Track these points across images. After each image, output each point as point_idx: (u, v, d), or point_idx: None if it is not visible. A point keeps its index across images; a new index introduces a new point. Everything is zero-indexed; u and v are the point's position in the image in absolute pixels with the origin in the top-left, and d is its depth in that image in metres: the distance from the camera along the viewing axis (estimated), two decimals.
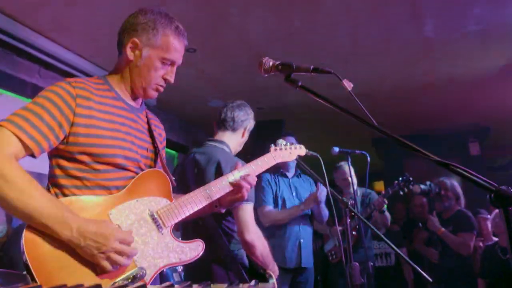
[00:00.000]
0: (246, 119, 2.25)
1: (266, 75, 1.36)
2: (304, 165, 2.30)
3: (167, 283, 1.04)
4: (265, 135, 3.31)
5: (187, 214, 1.37)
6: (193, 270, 2.04)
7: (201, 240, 1.35)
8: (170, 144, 5.56)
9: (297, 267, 3.22)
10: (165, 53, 1.39)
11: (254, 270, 1.96)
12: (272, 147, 1.78)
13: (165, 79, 1.43)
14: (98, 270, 1.14)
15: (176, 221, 1.34)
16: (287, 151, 1.81)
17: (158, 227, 1.30)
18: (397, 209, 5.61)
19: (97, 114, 1.30)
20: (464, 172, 1.03)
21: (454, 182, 3.88)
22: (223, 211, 1.60)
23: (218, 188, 1.47)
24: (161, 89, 1.45)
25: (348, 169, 3.33)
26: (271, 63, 1.34)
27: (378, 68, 4.21)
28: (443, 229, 3.66)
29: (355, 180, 3.69)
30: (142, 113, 1.49)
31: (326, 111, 6.40)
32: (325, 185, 2.16)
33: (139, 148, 1.40)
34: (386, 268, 4.24)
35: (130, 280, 1.17)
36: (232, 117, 2.20)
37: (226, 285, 1.04)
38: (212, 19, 3.17)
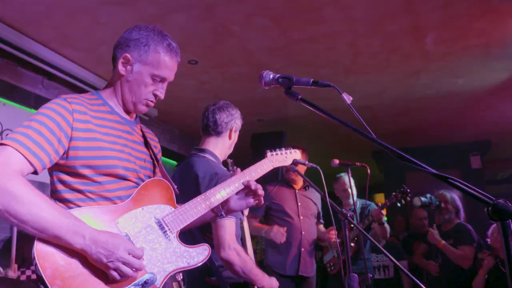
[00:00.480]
0: (231, 120, 2.13)
1: (267, 88, 1.38)
2: (305, 177, 2.31)
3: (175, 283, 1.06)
4: (266, 147, 3.33)
5: (192, 219, 1.41)
6: (191, 280, 2.04)
7: (207, 244, 1.38)
8: (171, 155, 5.58)
9: (296, 276, 3.25)
10: (155, 70, 1.41)
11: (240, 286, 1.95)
12: (268, 152, 1.79)
13: (155, 95, 1.44)
14: (110, 278, 1.18)
15: (182, 226, 1.38)
16: (283, 155, 1.83)
17: (165, 233, 1.33)
18: (396, 222, 5.60)
19: (94, 128, 1.33)
20: (462, 186, 1.04)
21: (454, 195, 3.87)
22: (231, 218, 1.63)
23: (216, 200, 1.50)
24: (151, 104, 1.47)
25: (348, 180, 3.34)
26: (271, 76, 1.36)
27: (378, 80, 4.24)
28: (443, 241, 3.65)
29: (354, 192, 3.69)
30: (136, 126, 1.52)
31: (326, 123, 6.46)
32: (325, 196, 2.16)
33: (137, 159, 1.42)
34: (384, 280, 4.21)
35: (141, 286, 1.21)
36: (214, 121, 2.09)
37: None
38: (213, 31, 3.21)
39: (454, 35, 3.38)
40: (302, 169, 3.33)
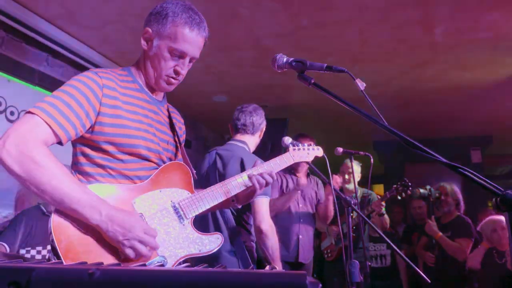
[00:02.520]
0: (262, 122, 2.46)
1: (279, 71, 1.38)
2: (310, 164, 2.33)
3: (185, 264, 1.07)
4: (268, 133, 3.34)
5: (208, 207, 1.41)
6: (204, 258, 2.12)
7: (220, 233, 1.40)
8: None
9: (294, 262, 3.30)
10: (173, 43, 1.35)
11: (261, 263, 2.03)
12: (291, 146, 1.82)
13: (176, 71, 1.39)
14: (121, 257, 1.18)
15: (197, 213, 1.37)
16: (305, 151, 1.84)
17: (180, 218, 1.33)
18: (394, 213, 5.64)
19: (122, 105, 1.31)
20: (471, 175, 1.05)
21: (455, 188, 3.90)
22: (240, 206, 1.64)
23: (236, 183, 1.50)
24: (174, 81, 1.41)
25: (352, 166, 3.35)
26: (284, 59, 1.35)
27: (384, 70, 4.22)
28: (440, 233, 3.69)
29: (357, 179, 3.72)
30: (163, 106, 1.50)
31: (329, 112, 6.45)
32: (330, 184, 2.18)
33: (161, 140, 1.41)
34: (381, 269, 4.27)
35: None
36: (252, 123, 2.41)
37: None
38: (221, 13, 3.17)
39: (463, 28, 3.35)
40: None
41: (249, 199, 1.61)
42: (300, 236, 3.34)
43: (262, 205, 2.07)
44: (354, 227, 3.47)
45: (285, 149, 3.24)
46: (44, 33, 3.25)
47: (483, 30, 3.38)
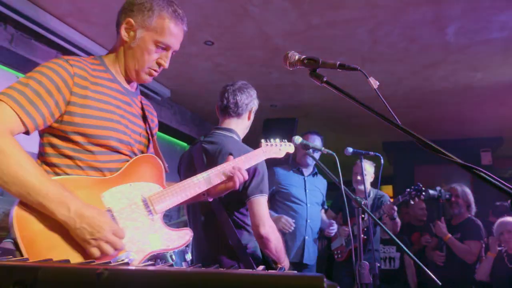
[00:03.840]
0: (250, 101, 2.11)
1: (291, 68, 1.35)
2: (320, 163, 2.30)
3: (169, 263, 1.04)
4: (277, 133, 3.32)
5: (179, 202, 1.38)
6: (202, 261, 2.05)
7: (190, 229, 1.37)
8: (181, 136, 5.58)
9: (299, 263, 3.25)
10: (159, 36, 1.35)
11: (267, 264, 1.95)
12: (263, 142, 1.78)
13: (159, 64, 1.39)
14: (87, 255, 1.14)
15: (167, 208, 1.35)
16: (277, 147, 1.83)
17: (149, 213, 1.30)
18: (403, 214, 5.58)
19: (93, 95, 1.28)
20: (486, 177, 1.02)
21: (466, 189, 3.84)
22: (211, 199, 1.61)
23: (207, 178, 1.48)
24: (155, 73, 1.41)
25: (365, 168, 3.33)
26: (297, 57, 1.33)
27: (395, 70, 4.17)
28: (449, 235, 3.64)
29: (369, 179, 3.68)
30: (136, 97, 1.47)
31: (339, 112, 6.41)
32: (339, 183, 2.15)
33: (133, 132, 1.39)
34: (390, 271, 4.22)
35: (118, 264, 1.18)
36: (235, 102, 2.06)
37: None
38: (232, 11, 3.16)
39: (476, 27, 3.30)
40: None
41: (222, 194, 1.58)
42: (306, 237, 3.30)
43: (258, 205, 1.85)
44: (365, 229, 3.44)
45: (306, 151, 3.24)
46: (54, 30, 3.26)
47: (496, 31, 3.32)
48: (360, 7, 3.04)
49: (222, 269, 0.57)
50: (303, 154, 3.40)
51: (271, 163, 2.41)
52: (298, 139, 2.64)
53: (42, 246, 1.08)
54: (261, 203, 1.86)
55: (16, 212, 1.09)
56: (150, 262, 1.22)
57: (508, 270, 3.40)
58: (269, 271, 0.59)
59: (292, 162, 3.56)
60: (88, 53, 3.66)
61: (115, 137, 1.30)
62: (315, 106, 5.31)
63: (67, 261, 0.80)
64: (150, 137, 1.48)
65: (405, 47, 3.66)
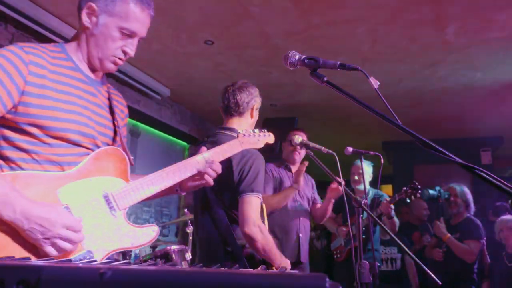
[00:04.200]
0: (251, 99, 2.12)
1: (292, 68, 1.36)
2: (319, 161, 2.30)
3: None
4: (277, 132, 3.29)
5: (144, 197, 1.30)
6: (204, 260, 2.05)
7: (156, 225, 1.31)
8: (181, 136, 5.58)
9: (296, 262, 3.23)
10: (124, 22, 1.26)
11: (257, 265, 1.94)
12: (240, 132, 1.70)
13: (124, 52, 1.30)
14: (41, 253, 1.07)
15: (131, 204, 1.27)
16: (255, 137, 1.72)
17: (111, 209, 1.22)
18: (402, 214, 5.58)
19: (51, 84, 1.19)
20: (487, 177, 1.03)
21: (465, 189, 3.84)
22: (184, 193, 1.54)
23: (176, 171, 1.38)
24: (120, 62, 1.32)
25: (362, 167, 3.31)
26: (297, 57, 1.33)
27: (395, 70, 4.17)
28: (448, 234, 3.64)
29: (368, 179, 3.67)
30: (102, 87, 1.38)
31: (339, 111, 6.39)
32: (340, 183, 2.16)
33: (97, 124, 1.30)
34: (391, 272, 4.23)
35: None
36: (236, 102, 2.08)
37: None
38: (232, 11, 3.16)
39: (476, 27, 3.30)
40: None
41: (196, 188, 1.50)
42: (301, 235, 3.27)
43: (247, 204, 1.83)
44: (363, 228, 3.44)
45: (295, 148, 3.21)
46: (55, 30, 3.26)
47: (496, 30, 3.33)
48: (361, 6, 3.04)
49: (223, 269, 0.58)
50: (290, 151, 3.35)
51: (266, 160, 2.41)
52: (298, 138, 2.65)
53: None
54: (250, 202, 1.84)
55: None
56: (109, 260, 1.16)
57: (508, 269, 3.41)
58: (270, 271, 0.59)
59: (281, 159, 3.52)
60: None
61: (75, 129, 1.22)
62: (315, 106, 5.31)
63: (12, 257, 0.76)
64: (117, 129, 1.39)
65: (405, 47, 3.66)
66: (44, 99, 1.17)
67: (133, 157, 1.38)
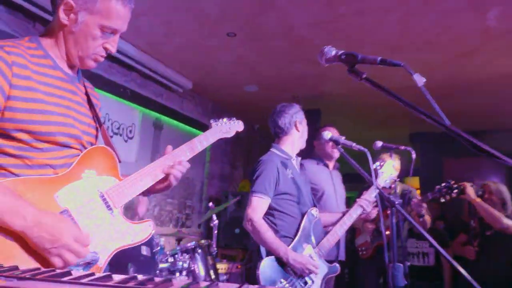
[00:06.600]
0: (291, 119, 2.39)
1: (327, 64, 1.27)
2: (350, 159, 2.20)
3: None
4: None
5: (137, 193, 1.30)
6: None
7: (151, 220, 1.30)
8: (203, 128, 5.54)
9: (335, 260, 3.14)
10: (105, 20, 1.20)
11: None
12: (212, 122, 1.69)
13: (105, 48, 1.24)
14: (49, 263, 1.05)
15: (127, 200, 1.26)
16: (227, 126, 1.71)
17: (109, 208, 1.21)
18: (432, 209, 5.41)
19: (36, 86, 1.13)
20: None
21: (501, 187, 3.65)
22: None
23: (164, 166, 1.37)
24: (101, 59, 1.26)
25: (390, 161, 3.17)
26: (333, 52, 1.24)
27: (425, 60, 3.98)
28: (478, 199, 3.46)
29: (396, 174, 3.54)
30: (80, 82, 1.33)
31: (364, 103, 6.22)
32: (372, 181, 2.07)
33: (81, 123, 1.26)
34: (423, 268, 4.06)
35: (83, 266, 1.10)
36: (278, 127, 2.40)
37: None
38: (256, 2, 3.06)
39: None
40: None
41: (166, 189, 1.44)
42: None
43: (249, 203, 2.16)
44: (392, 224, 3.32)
45: (326, 144, 3.13)
46: None
47: None
48: None
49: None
50: (323, 147, 3.27)
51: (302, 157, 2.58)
52: (327, 134, 2.56)
53: None
54: (249, 201, 2.16)
55: None
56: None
57: None
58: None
59: (316, 155, 3.43)
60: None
61: (63, 132, 1.18)
62: (339, 97, 5.17)
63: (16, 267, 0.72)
64: (98, 126, 1.35)
65: (437, 35, 3.48)
66: (31, 102, 1.12)
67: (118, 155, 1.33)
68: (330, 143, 3.05)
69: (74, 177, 1.18)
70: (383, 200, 2.03)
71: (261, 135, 6.75)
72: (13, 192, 1.04)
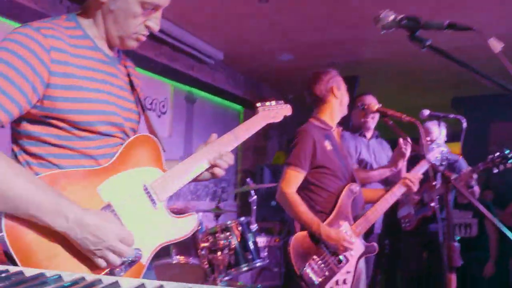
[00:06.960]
0: (327, 85, 2.25)
1: (384, 31, 1.12)
2: (399, 132, 2.08)
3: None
4: None
5: (182, 186, 1.22)
6: None
7: (195, 213, 1.22)
8: (236, 99, 5.46)
9: (369, 232, 3.05)
10: None
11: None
12: (259, 107, 1.56)
13: (147, 27, 1.15)
14: (94, 263, 1.02)
15: (171, 193, 1.20)
16: (275, 110, 1.59)
17: (153, 202, 1.16)
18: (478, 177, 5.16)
19: (75, 71, 1.07)
20: None
21: None
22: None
23: (205, 159, 1.28)
24: (143, 38, 1.17)
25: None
26: (391, 17, 1.09)
27: (478, 19, 3.63)
28: None
29: (443, 143, 3.35)
30: (120, 63, 1.24)
31: (404, 68, 5.87)
32: (424, 155, 1.97)
33: (122, 110, 1.19)
34: (465, 239, 3.92)
35: (127, 264, 1.06)
36: (314, 94, 2.26)
37: None
38: None
39: None
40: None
41: (215, 177, 1.36)
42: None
43: (282, 176, 2.13)
44: (438, 196, 3.16)
45: (367, 114, 2.97)
46: None
47: None
48: None
49: None
50: (362, 117, 3.10)
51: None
52: (374, 105, 2.47)
53: (40, 257, 0.96)
54: (283, 173, 2.12)
55: (5, 223, 0.95)
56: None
57: None
58: None
59: (352, 125, 3.29)
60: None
61: (104, 120, 1.12)
62: (378, 63, 4.90)
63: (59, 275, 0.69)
64: (141, 111, 1.28)
65: None
66: (70, 90, 1.06)
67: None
68: (361, 113, 2.92)
69: (117, 168, 1.13)
70: (428, 171, 1.93)
71: (296, 106, 6.59)
72: (53, 189, 0.99)
